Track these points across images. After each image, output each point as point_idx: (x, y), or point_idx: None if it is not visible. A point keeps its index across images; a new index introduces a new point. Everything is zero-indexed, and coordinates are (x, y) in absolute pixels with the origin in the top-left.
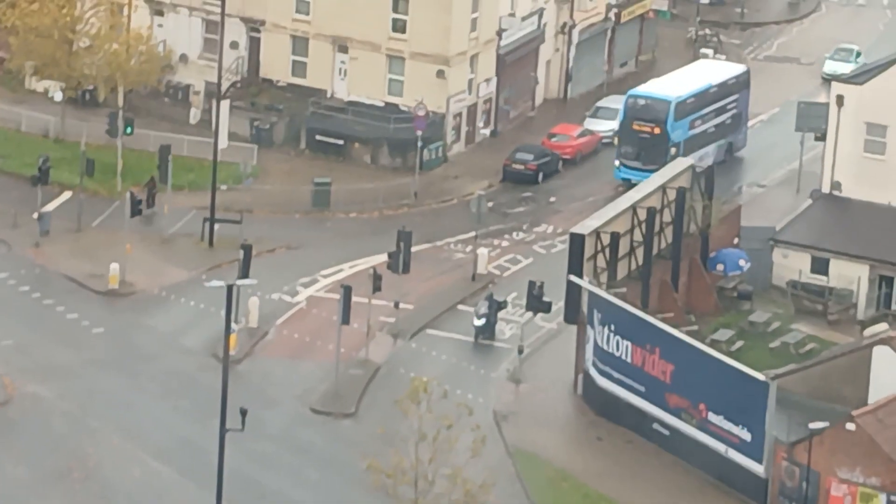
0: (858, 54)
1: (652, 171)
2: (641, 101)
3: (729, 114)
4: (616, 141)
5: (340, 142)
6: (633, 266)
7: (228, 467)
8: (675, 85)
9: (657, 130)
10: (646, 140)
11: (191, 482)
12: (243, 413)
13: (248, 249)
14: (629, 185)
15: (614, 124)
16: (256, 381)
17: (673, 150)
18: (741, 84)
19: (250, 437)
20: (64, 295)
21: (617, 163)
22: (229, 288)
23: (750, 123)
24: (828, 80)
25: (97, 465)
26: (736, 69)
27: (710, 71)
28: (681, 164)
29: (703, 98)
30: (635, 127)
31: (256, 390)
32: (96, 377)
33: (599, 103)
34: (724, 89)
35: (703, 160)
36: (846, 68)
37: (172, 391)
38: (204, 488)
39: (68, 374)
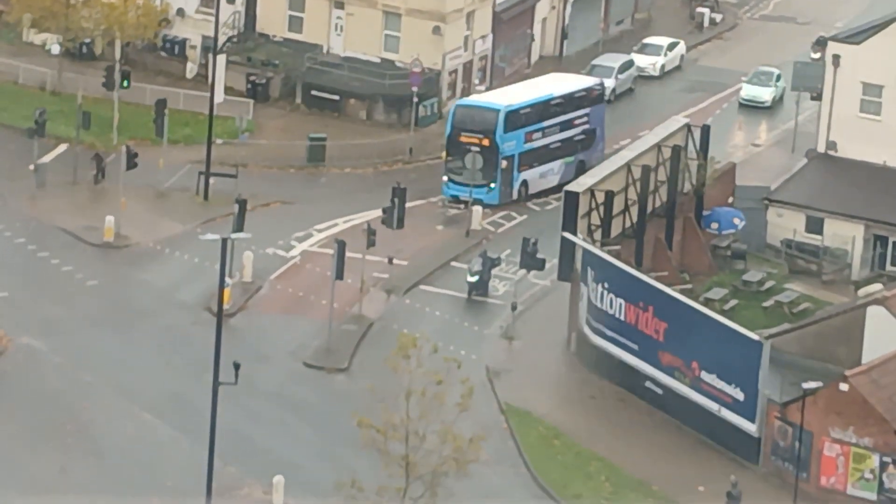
0: (779, 77)
1: (483, 187)
2: (469, 111)
3: (579, 129)
4: (443, 155)
5: (336, 97)
6: (628, 224)
7: (221, 422)
8: (509, 94)
9: (486, 142)
10: (475, 153)
11: (183, 437)
12: (236, 367)
13: (242, 204)
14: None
15: (610, 82)
16: (250, 335)
17: (504, 164)
18: (594, 98)
19: (243, 392)
20: (59, 248)
21: (445, 178)
22: (224, 242)
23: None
24: (745, 105)
25: (90, 419)
26: (588, 82)
27: (556, 83)
28: (676, 122)
29: (543, 110)
30: (463, 139)
31: (250, 345)
32: (90, 331)
33: (595, 61)
34: (572, 102)
35: (545, 178)
36: (765, 93)
37: (166, 345)
38: (196, 443)
39: (62, 327)
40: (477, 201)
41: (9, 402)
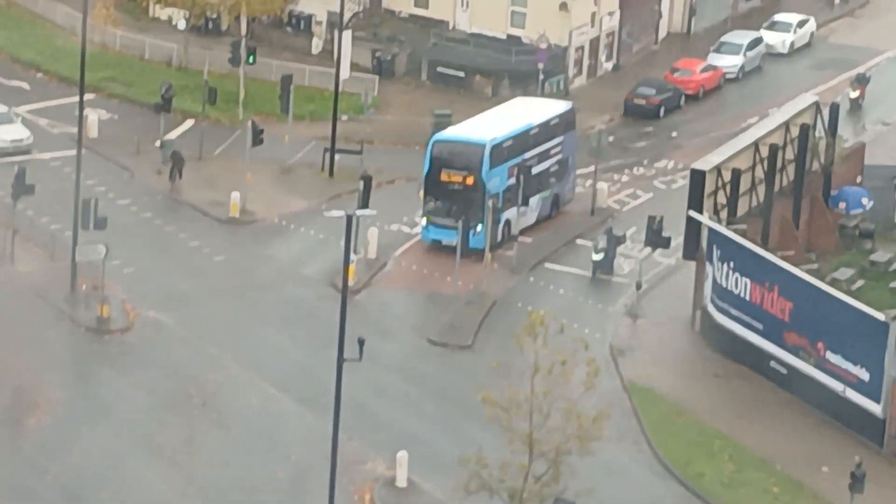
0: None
1: (467, 230)
2: (450, 146)
3: (553, 160)
4: (420, 194)
5: (462, 74)
6: (754, 203)
7: (345, 396)
8: (488, 126)
9: (470, 180)
10: (457, 192)
11: (308, 411)
12: (361, 343)
13: (368, 180)
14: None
15: (739, 59)
16: (374, 311)
17: (490, 203)
18: (566, 124)
19: (367, 368)
20: (185, 223)
21: (423, 221)
22: (349, 218)
23: (876, 60)
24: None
25: (215, 391)
26: (559, 107)
27: (528, 109)
28: (804, 100)
29: (524, 141)
30: (444, 177)
31: (374, 321)
32: (216, 305)
33: (724, 38)
34: (547, 130)
35: (525, 215)
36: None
37: (291, 320)
38: (320, 417)
39: (189, 301)
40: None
41: (136, 375)
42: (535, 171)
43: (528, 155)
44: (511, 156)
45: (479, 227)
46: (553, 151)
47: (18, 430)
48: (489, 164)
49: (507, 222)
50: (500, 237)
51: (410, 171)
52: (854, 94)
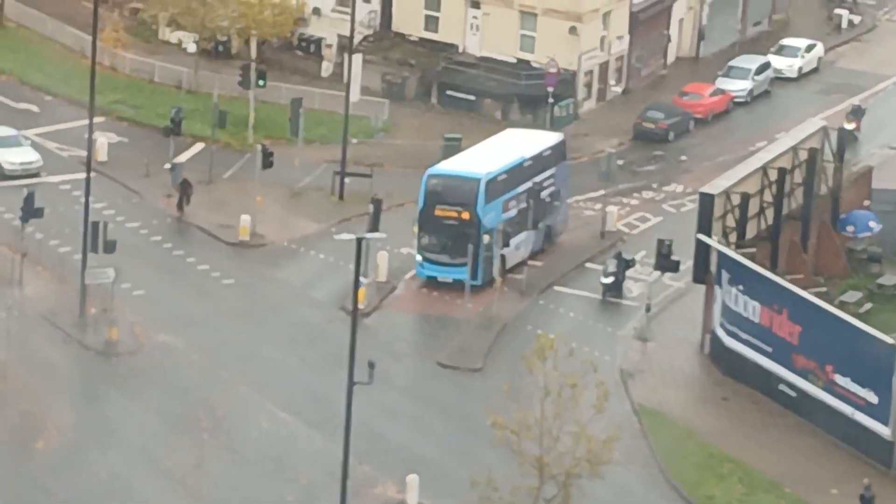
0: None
1: (463, 266)
2: (445, 181)
3: (546, 192)
4: (415, 230)
5: (471, 97)
6: (763, 226)
7: (355, 419)
8: (481, 159)
9: (466, 215)
10: (453, 228)
11: (317, 433)
12: (371, 366)
13: (377, 203)
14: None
15: (747, 84)
16: (384, 334)
17: (486, 239)
18: (557, 156)
19: (377, 390)
20: (195, 245)
21: (419, 258)
22: (359, 241)
23: (883, 85)
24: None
25: (225, 414)
26: (551, 139)
27: (519, 141)
28: (812, 124)
29: (518, 174)
30: (439, 213)
31: (384, 344)
32: (225, 328)
33: (732, 62)
34: (540, 162)
35: (519, 249)
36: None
37: (300, 343)
38: (330, 440)
39: (198, 324)
40: (458, 282)
41: (145, 398)
42: (529, 203)
43: (521, 188)
44: (506, 189)
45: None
46: (546, 183)
47: (27, 452)
48: (485, 198)
49: (502, 257)
50: (496, 273)
51: None
52: (850, 126)
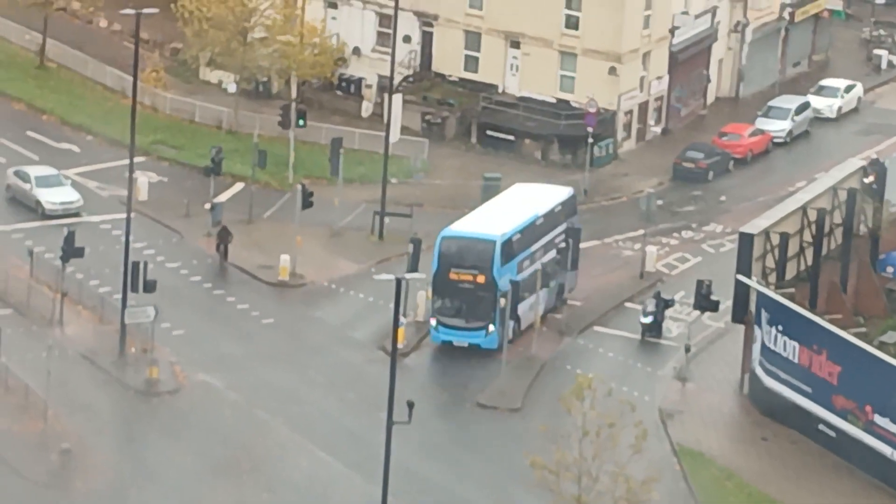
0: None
1: (479, 330)
2: (459, 243)
3: (558, 248)
4: (429, 294)
5: (511, 137)
6: (802, 267)
7: (394, 460)
8: (495, 220)
9: (481, 279)
10: (468, 291)
11: (357, 474)
12: (410, 406)
13: (417, 243)
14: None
15: (787, 124)
16: (423, 374)
17: (502, 302)
18: (568, 211)
19: (416, 431)
20: (235, 286)
21: (433, 322)
22: (398, 281)
23: None
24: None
25: (264, 456)
26: (561, 194)
27: (530, 197)
28: (851, 164)
29: (531, 233)
30: (453, 276)
31: (423, 384)
32: (265, 368)
33: (771, 103)
34: (552, 219)
35: (532, 309)
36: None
37: (340, 383)
38: (370, 481)
39: (238, 364)
40: (474, 346)
41: (185, 439)
42: (542, 262)
43: (534, 247)
44: (520, 250)
45: (492, 327)
46: (558, 240)
47: (68, 493)
48: (501, 260)
49: (517, 318)
50: (510, 335)
51: None
52: (869, 179)
